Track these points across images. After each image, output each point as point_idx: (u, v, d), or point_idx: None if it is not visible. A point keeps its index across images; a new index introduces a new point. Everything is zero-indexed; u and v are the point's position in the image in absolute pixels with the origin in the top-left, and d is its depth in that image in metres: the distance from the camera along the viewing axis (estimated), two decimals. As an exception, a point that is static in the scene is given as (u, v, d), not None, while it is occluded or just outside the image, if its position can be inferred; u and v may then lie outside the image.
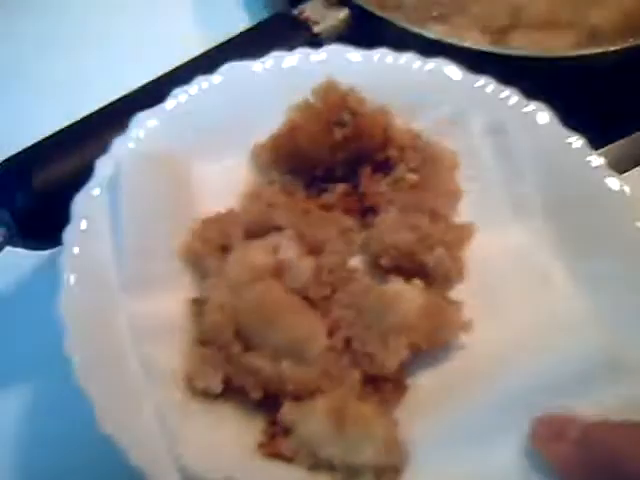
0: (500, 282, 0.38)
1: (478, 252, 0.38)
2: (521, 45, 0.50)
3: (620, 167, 0.46)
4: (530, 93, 0.41)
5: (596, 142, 0.40)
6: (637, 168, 0.49)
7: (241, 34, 0.46)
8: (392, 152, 0.39)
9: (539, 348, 0.35)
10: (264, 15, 0.50)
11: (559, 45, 0.50)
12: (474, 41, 0.49)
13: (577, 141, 0.40)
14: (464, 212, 0.39)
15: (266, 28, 0.47)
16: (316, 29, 0.46)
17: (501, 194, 0.40)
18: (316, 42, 0.46)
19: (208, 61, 0.42)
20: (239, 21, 0.52)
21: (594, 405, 0.32)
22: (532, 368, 0.34)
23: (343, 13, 0.47)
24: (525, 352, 0.35)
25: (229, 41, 0.45)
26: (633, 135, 0.51)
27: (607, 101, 0.49)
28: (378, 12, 0.47)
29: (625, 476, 0.30)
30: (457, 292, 0.37)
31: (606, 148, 0.49)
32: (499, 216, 0.40)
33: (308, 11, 0.47)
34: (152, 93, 0.41)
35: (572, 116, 0.40)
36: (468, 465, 0.33)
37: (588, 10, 0.52)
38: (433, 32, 0.47)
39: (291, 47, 0.42)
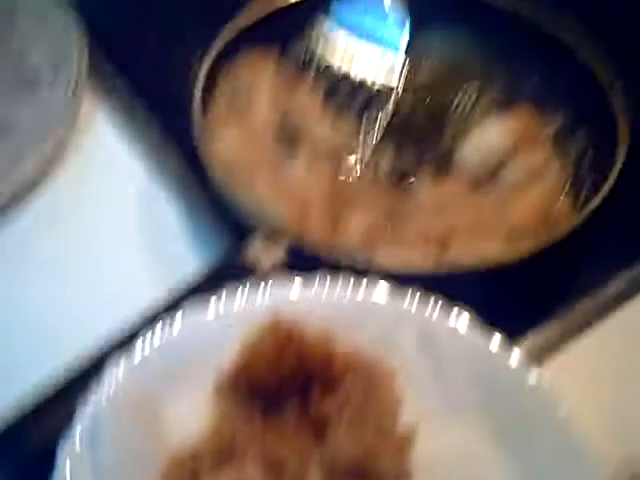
0: (447, 475, 0.43)
1: (423, 451, 0.43)
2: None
3: (541, 354, 0.54)
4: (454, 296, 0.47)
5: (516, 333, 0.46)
6: (555, 355, 0.55)
7: (195, 280, 0.51)
8: (335, 372, 0.44)
9: None
10: (212, 258, 0.57)
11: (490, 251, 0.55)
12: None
13: (496, 343, 0.45)
14: (405, 420, 0.44)
15: (216, 273, 0.52)
16: (260, 268, 0.52)
17: (437, 399, 0.45)
18: (261, 278, 0.51)
19: (167, 310, 0.48)
20: (190, 268, 0.56)
21: None
22: None
23: (282, 250, 0.53)
24: None
25: (185, 289, 0.50)
26: (549, 322, 0.56)
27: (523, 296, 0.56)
28: (313, 249, 0.53)
29: None
30: None
31: (526, 337, 0.55)
32: (438, 420, 0.45)
33: (251, 253, 0.52)
34: (120, 343, 0.46)
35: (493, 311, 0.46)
36: None
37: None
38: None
39: (239, 285, 0.48)
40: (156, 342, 0.45)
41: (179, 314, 0.46)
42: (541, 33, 0.66)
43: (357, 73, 0.66)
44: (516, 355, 0.45)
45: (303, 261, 0.52)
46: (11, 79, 0.67)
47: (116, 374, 0.43)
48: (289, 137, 0.62)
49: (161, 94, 0.67)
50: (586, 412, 0.45)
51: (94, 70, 0.67)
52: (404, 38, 0.67)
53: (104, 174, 0.64)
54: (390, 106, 0.65)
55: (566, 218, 0.57)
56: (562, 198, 0.59)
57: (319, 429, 0.43)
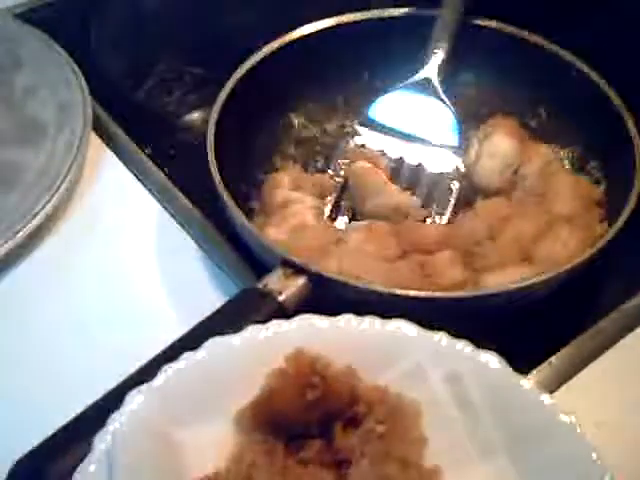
0: None
1: None
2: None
3: (551, 386, 0.54)
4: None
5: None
6: (565, 385, 0.55)
7: (216, 311, 0.52)
8: (360, 408, 0.43)
9: None
10: (233, 290, 0.57)
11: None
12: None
13: (527, 383, 0.45)
14: (431, 457, 0.43)
15: (237, 303, 0.53)
16: (280, 298, 0.52)
17: (464, 437, 0.44)
18: (283, 309, 0.52)
19: (190, 340, 0.48)
20: (212, 298, 0.57)
21: None
22: None
23: (302, 280, 0.53)
24: None
25: (207, 319, 0.51)
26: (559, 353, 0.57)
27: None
28: (335, 277, 0.54)
29: None
30: None
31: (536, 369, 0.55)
32: (464, 458, 0.43)
33: (270, 283, 0.53)
34: (145, 373, 0.46)
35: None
36: None
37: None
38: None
39: (262, 316, 0.49)
40: (180, 366, 0.44)
41: (204, 344, 0.45)
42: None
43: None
44: (546, 396, 0.44)
45: (324, 298, 0.53)
46: (17, 130, 0.69)
47: (135, 403, 0.43)
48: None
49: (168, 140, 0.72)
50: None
51: (96, 120, 0.70)
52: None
53: (114, 218, 0.66)
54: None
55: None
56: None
57: (341, 465, 0.42)
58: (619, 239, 0.56)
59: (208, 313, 0.51)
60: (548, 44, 0.69)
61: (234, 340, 0.46)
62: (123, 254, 0.63)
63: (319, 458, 0.43)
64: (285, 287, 0.53)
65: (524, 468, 0.43)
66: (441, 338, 0.46)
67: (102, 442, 0.41)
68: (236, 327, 0.46)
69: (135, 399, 0.43)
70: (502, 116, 0.69)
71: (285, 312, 0.52)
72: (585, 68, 0.67)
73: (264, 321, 0.47)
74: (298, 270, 0.53)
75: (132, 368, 0.47)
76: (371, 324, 0.47)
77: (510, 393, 0.45)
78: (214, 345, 0.45)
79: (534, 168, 0.66)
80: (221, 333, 0.46)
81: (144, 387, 0.43)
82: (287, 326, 0.46)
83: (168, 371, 0.44)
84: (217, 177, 0.58)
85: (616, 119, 0.63)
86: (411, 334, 0.47)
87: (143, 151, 0.70)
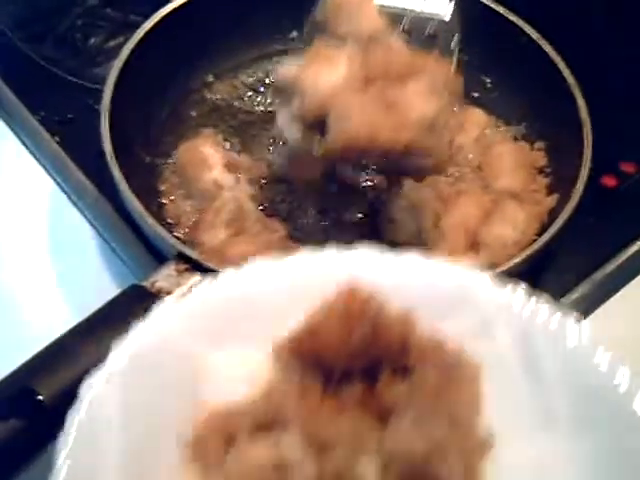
0: None
1: (501, 460, 0.37)
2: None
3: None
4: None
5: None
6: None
7: (97, 311, 0.47)
8: (412, 358, 0.38)
9: None
10: (129, 281, 0.51)
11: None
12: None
13: (605, 358, 0.39)
14: (486, 421, 0.38)
15: (119, 304, 0.47)
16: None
17: (527, 406, 0.39)
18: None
19: (66, 341, 0.44)
20: (106, 289, 0.53)
21: None
22: None
23: (196, 279, 0.48)
24: None
25: (85, 321, 0.46)
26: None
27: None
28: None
29: None
30: None
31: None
32: (522, 426, 0.39)
33: (161, 280, 0.48)
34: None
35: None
36: None
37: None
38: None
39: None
40: (209, 291, 0.41)
41: (245, 266, 0.41)
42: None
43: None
44: (626, 379, 0.38)
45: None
46: None
47: (163, 310, 0.39)
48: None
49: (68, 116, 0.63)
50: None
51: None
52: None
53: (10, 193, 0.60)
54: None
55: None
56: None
57: (381, 417, 0.37)
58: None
59: (98, 305, 0.47)
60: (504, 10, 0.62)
61: (278, 265, 0.41)
62: (11, 235, 0.58)
63: (358, 405, 0.38)
64: (176, 285, 0.48)
65: (586, 448, 0.38)
66: (517, 293, 0.41)
67: (118, 357, 0.37)
68: (117, 330, 0.40)
69: (159, 316, 0.39)
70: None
71: None
72: (540, 40, 0.61)
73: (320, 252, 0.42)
74: (193, 266, 0.48)
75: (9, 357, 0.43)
76: (440, 267, 0.42)
77: (585, 365, 0.39)
78: (255, 268, 0.41)
79: (470, 137, 0.61)
80: (101, 336, 0.42)
81: (169, 303, 0.40)
82: (343, 256, 0.42)
83: (198, 287, 0.40)
84: (109, 148, 0.52)
85: (568, 98, 0.58)
86: (483, 285, 0.42)
87: (35, 115, 0.62)
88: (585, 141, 0.55)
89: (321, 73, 0.49)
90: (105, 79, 0.55)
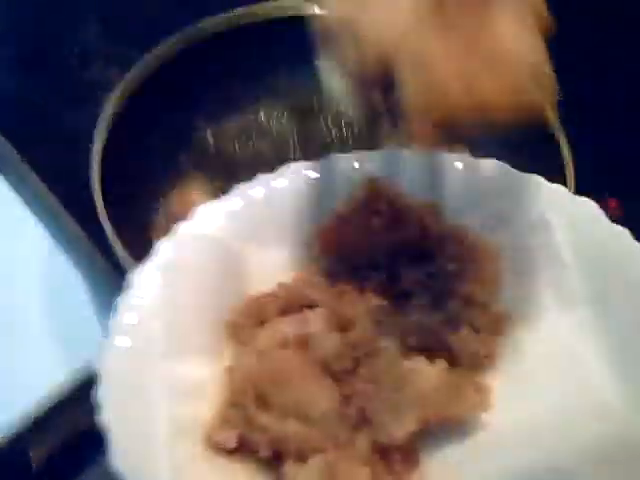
0: (536, 369, 0.39)
1: (516, 340, 0.40)
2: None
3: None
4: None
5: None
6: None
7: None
8: (431, 244, 0.41)
9: (568, 431, 0.36)
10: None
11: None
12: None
13: (622, 233, 0.41)
14: (506, 303, 0.41)
15: None
16: None
17: (545, 286, 0.41)
18: None
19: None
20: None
21: None
22: (557, 449, 0.36)
23: None
24: (552, 434, 0.36)
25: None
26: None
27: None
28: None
29: None
30: (489, 377, 0.39)
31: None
32: (542, 307, 0.41)
33: None
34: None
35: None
36: None
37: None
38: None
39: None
40: (250, 193, 0.44)
41: (281, 170, 0.44)
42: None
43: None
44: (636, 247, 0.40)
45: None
46: None
47: (209, 209, 0.43)
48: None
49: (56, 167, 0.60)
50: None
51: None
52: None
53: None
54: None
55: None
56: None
57: (402, 297, 0.41)
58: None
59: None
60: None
61: (313, 169, 0.45)
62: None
63: (379, 289, 0.41)
64: None
65: (605, 324, 0.40)
66: (536, 182, 0.43)
67: (165, 248, 0.41)
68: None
69: (205, 213, 0.43)
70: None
71: None
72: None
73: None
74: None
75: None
76: (465, 162, 0.44)
77: (602, 244, 0.41)
78: (292, 173, 0.44)
79: None
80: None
81: (215, 203, 0.43)
82: (373, 157, 0.45)
83: (242, 191, 0.44)
84: (100, 202, 0.50)
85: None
86: (504, 174, 0.44)
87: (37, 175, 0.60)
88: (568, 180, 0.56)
89: (381, 8, 0.36)
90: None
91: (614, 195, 0.67)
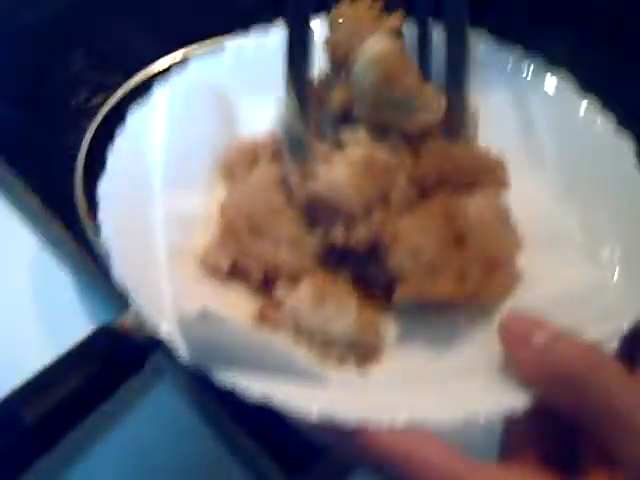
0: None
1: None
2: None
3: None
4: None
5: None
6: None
7: (66, 353, 0.48)
8: None
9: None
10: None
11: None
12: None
13: (586, 104, 0.44)
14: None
15: (86, 346, 0.49)
16: (138, 339, 0.48)
17: (520, 148, 0.45)
18: (140, 351, 0.49)
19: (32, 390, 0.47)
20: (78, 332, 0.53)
21: None
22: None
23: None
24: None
25: (55, 363, 0.48)
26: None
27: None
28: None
29: (582, 399, 0.31)
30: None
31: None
32: (518, 165, 0.43)
33: (130, 320, 0.48)
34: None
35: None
36: (439, 359, 0.37)
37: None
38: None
39: (115, 358, 0.47)
40: (250, 40, 0.46)
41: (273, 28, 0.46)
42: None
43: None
44: (600, 119, 0.44)
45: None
46: None
47: (199, 65, 0.45)
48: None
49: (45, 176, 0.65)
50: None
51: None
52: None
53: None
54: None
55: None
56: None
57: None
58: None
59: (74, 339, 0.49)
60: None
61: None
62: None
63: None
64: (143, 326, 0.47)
65: (572, 181, 0.43)
66: (509, 58, 0.46)
67: (162, 93, 0.43)
68: (84, 373, 0.46)
69: (200, 61, 0.45)
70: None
71: (143, 355, 0.49)
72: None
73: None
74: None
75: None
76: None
77: (569, 112, 0.45)
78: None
79: None
80: (68, 380, 0.46)
81: (209, 54, 0.45)
82: None
83: (236, 43, 0.46)
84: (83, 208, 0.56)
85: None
86: (484, 50, 0.46)
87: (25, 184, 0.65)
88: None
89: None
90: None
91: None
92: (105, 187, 0.39)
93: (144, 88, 0.57)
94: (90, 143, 0.60)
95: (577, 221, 0.42)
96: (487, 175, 0.41)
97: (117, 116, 0.58)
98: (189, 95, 0.44)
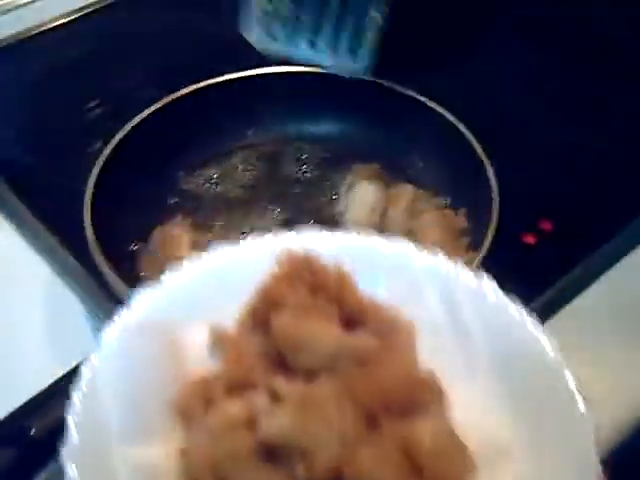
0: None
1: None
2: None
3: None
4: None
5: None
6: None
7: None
8: (352, 312, 0.44)
9: None
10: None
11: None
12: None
13: (518, 310, 0.46)
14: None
15: None
16: None
17: (454, 357, 0.46)
18: None
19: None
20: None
21: None
22: None
23: None
24: None
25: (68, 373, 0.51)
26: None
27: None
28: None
29: None
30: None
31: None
32: (453, 377, 0.44)
33: None
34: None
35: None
36: None
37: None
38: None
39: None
40: (181, 275, 0.47)
41: (208, 252, 0.48)
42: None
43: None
44: (532, 321, 0.45)
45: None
46: None
47: (141, 302, 0.46)
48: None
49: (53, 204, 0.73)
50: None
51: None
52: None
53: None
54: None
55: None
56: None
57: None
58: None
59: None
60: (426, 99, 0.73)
61: (237, 250, 0.48)
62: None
63: None
64: None
65: (508, 392, 0.44)
66: (441, 259, 0.48)
67: (108, 336, 0.44)
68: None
69: (141, 299, 0.46)
70: (362, 164, 0.74)
71: None
72: (446, 113, 0.71)
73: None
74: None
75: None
76: (370, 239, 0.49)
77: (502, 320, 0.46)
78: (216, 253, 0.48)
79: (401, 208, 0.70)
80: None
81: (150, 289, 0.46)
82: (286, 236, 0.48)
83: (171, 276, 0.47)
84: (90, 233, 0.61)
85: (482, 172, 0.67)
86: (411, 253, 0.48)
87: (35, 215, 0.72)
88: (493, 204, 0.64)
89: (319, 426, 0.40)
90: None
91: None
92: (68, 451, 0.39)
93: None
94: (97, 177, 0.66)
95: (518, 433, 0.43)
96: (425, 395, 0.43)
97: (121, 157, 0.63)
98: (134, 336, 0.44)
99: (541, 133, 0.81)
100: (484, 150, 0.68)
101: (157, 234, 0.69)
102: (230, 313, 0.45)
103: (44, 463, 0.48)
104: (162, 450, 0.41)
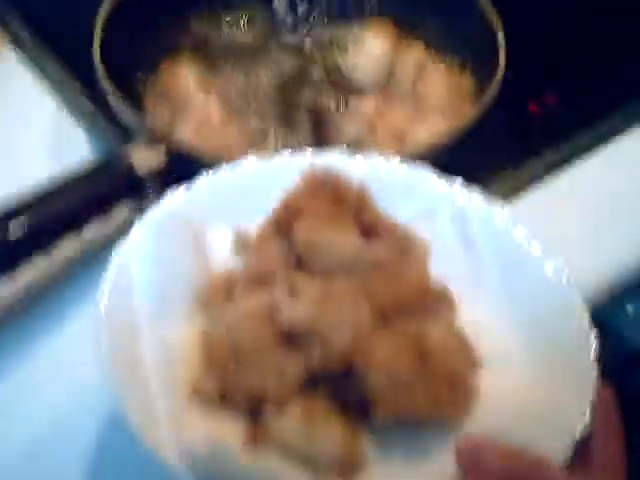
0: None
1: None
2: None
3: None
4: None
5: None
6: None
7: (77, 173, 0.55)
8: (369, 226, 0.47)
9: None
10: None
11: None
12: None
13: (525, 235, 0.48)
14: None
15: (90, 174, 0.55)
16: (139, 171, 0.54)
17: (463, 270, 0.49)
18: (138, 182, 0.54)
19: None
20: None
21: None
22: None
23: (161, 151, 0.56)
24: None
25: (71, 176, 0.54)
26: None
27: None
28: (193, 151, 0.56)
29: None
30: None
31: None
32: (461, 288, 0.47)
33: (130, 153, 0.54)
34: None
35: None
36: (415, 470, 0.41)
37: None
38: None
39: (115, 189, 0.52)
40: (212, 180, 0.50)
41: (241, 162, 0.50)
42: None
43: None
44: (537, 245, 0.48)
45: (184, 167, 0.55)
46: None
47: (177, 191, 0.48)
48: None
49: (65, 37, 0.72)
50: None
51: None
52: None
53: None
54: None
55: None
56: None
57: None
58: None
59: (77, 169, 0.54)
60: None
61: (266, 163, 0.51)
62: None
63: None
64: (144, 159, 0.54)
65: (511, 305, 0.47)
66: (455, 185, 0.50)
67: (141, 229, 0.46)
68: (85, 200, 0.50)
69: (173, 196, 0.48)
70: (377, 18, 0.73)
71: (140, 185, 0.54)
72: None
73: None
74: (159, 140, 0.55)
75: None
76: (387, 163, 0.51)
77: (510, 242, 0.49)
78: (248, 164, 0.50)
79: (408, 68, 0.70)
80: (77, 195, 0.50)
81: (182, 187, 0.49)
82: (310, 156, 0.51)
83: (205, 176, 0.49)
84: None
85: (492, 34, 0.67)
86: (427, 178, 0.51)
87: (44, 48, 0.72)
88: (499, 69, 0.64)
89: (340, 314, 0.42)
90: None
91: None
92: (100, 325, 0.42)
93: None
94: (109, 12, 0.65)
95: (521, 343, 0.46)
96: (436, 303, 0.46)
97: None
98: (164, 229, 0.47)
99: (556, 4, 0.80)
100: (497, 14, 0.68)
101: (164, 74, 0.69)
102: (255, 222, 0.48)
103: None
104: (185, 331, 0.44)
